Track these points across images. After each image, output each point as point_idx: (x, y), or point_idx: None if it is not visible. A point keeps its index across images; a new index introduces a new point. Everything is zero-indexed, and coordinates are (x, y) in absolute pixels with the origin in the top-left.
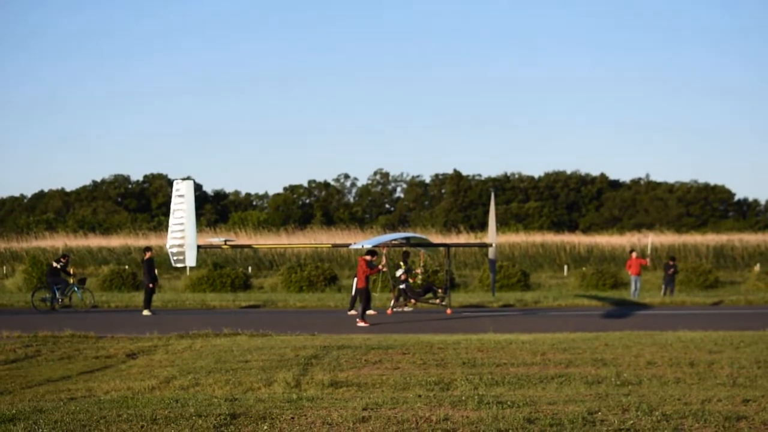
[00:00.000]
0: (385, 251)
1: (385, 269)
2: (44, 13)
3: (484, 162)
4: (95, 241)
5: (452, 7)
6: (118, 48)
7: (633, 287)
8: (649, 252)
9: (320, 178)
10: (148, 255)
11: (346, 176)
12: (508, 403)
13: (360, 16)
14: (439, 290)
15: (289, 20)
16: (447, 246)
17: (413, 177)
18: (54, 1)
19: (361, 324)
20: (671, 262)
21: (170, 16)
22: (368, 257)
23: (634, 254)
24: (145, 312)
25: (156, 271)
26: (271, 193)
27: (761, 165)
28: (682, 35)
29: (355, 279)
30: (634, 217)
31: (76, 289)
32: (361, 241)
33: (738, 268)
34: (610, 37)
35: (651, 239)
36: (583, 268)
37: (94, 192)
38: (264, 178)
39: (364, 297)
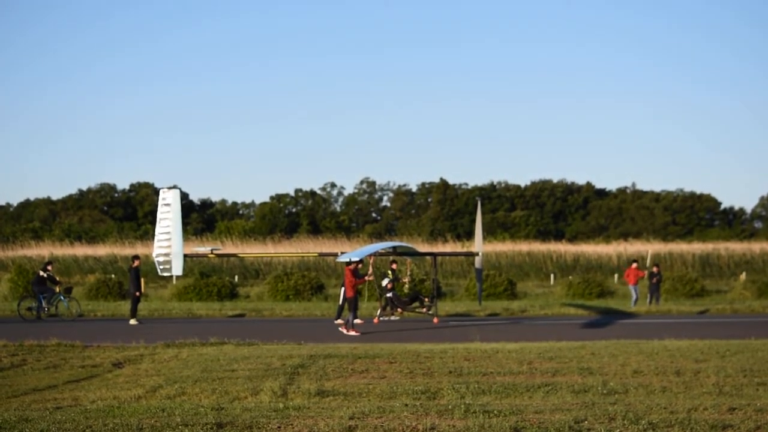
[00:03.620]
0: (371, 260)
1: (371, 278)
2: (23, 20)
3: (470, 171)
4: (81, 250)
5: (439, 16)
6: (104, 55)
7: (634, 296)
8: (648, 264)
9: (307, 187)
10: (135, 263)
11: (333, 185)
12: (495, 411)
13: (346, 25)
14: (426, 299)
15: (275, 30)
16: (433, 255)
17: (400, 186)
18: (36, 10)
19: (352, 333)
20: (655, 270)
21: (156, 26)
22: (352, 266)
23: (634, 265)
24: (132, 321)
25: (142, 280)
26: (257, 202)
27: (747, 174)
28: (667, 46)
29: (343, 288)
30: (620, 225)
31: (62, 298)
32: (348, 253)
33: (724, 276)
34: (597, 47)
35: (650, 250)
36: (570, 277)
37: (80, 201)
38: (250, 187)
39: (353, 306)
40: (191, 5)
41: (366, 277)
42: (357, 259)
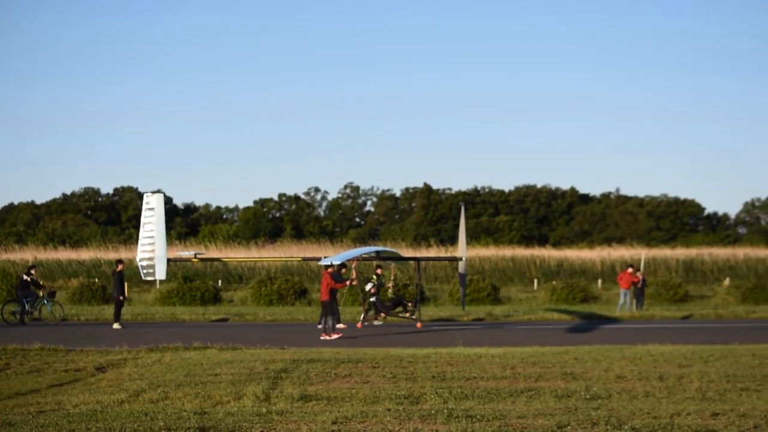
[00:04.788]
0: (354, 265)
1: (355, 283)
2: (8, 19)
3: (454, 176)
4: (65, 254)
5: (423, 21)
6: (87, 63)
7: (621, 300)
8: (642, 268)
9: (290, 192)
10: (119, 268)
11: (317, 190)
12: (478, 416)
13: (330, 29)
14: (409, 304)
15: (261, 36)
16: (417, 260)
17: (383, 191)
18: (21, 18)
19: (334, 336)
20: (639, 275)
21: (140, 33)
22: (330, 270)
23: (630, 269)
24: (115, 325)
25: (125, 284)
26: (241, 206)
27: (731, 179)
28: (649, 54)
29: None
30: (604, 231)
31: (45, 302)
32: (330, 257)
33: (708, 282)
34: (581, 52)
35: (643, 255)
36: (553, 282)
37: (64, 205)
38: (234, 191)
39: (330, 310)
40: (184, 12)
41: (348, 282)
42: (338, 262)
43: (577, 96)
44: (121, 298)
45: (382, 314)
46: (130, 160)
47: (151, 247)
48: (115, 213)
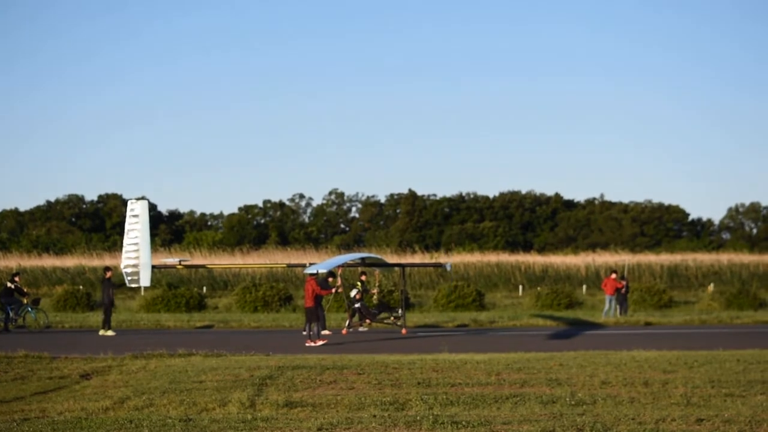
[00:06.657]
0: (339, 271)
1: (341, 290)
2: None
3: (439, 182)
4: (49, 261)
5: (408, 28)
6: (72, 71)
7: (606, 306)
8: (625, 274)
9: (275, 198)
10: (108, 274)
11: (301, 196)
12: (463, 423)
13: (315, 37)
14: (399, 310)
15: (242, 42)
16: (402, 266)
17: (368, 197)
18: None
19: (319, 343)
20: (622, 281)
21: (126, 41)
22: (313, 277)
23: (613, 275)
24: (109, 332)
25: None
26: (226, 213)
27: (715, 185)
28: (632, 58)
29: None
30: (588, 237)
31: (29, 309)
32: (316, 265)
33: (692, 287)
34: (566, 60)
35: (627, 262)
36: (538, 288)
37: (48, 212)
38: (219, 198)
39: (315, 317)
40: (169, 21)
41: (333, 289)
42: (323, 271)
43: (562, 103)
44: (111, 304)
45: (367, 320)
46: (114, 167)
47: (136, 254)
48: (100, 220)
